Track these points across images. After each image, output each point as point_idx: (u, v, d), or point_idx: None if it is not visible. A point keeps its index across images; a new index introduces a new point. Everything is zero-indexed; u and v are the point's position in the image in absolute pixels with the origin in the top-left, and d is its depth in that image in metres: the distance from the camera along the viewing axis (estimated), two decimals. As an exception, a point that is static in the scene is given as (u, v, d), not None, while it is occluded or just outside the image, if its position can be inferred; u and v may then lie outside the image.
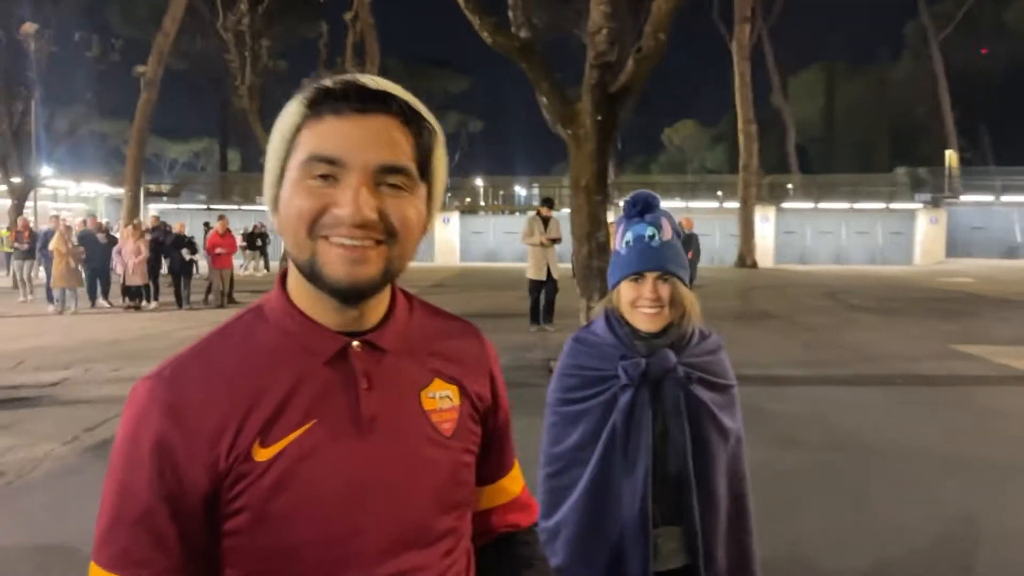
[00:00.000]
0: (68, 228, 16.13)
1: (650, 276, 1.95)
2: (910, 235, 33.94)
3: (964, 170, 38.68)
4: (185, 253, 16.73)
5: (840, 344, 11.82)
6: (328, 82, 0.98)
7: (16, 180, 28.38)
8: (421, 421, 1.07)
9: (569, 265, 10.89)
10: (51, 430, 6.77)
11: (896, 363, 10.20)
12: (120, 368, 9.53)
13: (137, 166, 29.04)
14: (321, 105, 0.97)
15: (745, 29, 31.93)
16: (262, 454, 0.97)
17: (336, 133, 0.96)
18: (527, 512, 1.31)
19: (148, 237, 16.93)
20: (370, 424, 1.02)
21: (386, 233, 0.97)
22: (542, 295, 12.46)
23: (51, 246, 15.45)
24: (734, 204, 33.01)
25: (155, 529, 0.95)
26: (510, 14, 9.65)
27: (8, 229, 20.24)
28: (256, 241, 27.40)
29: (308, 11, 39.36)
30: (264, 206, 1.06)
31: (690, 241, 16.39)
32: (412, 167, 0.99)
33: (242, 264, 26.53)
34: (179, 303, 16.53)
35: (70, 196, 35.23)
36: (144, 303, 16.42)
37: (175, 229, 17.70)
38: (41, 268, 17.89)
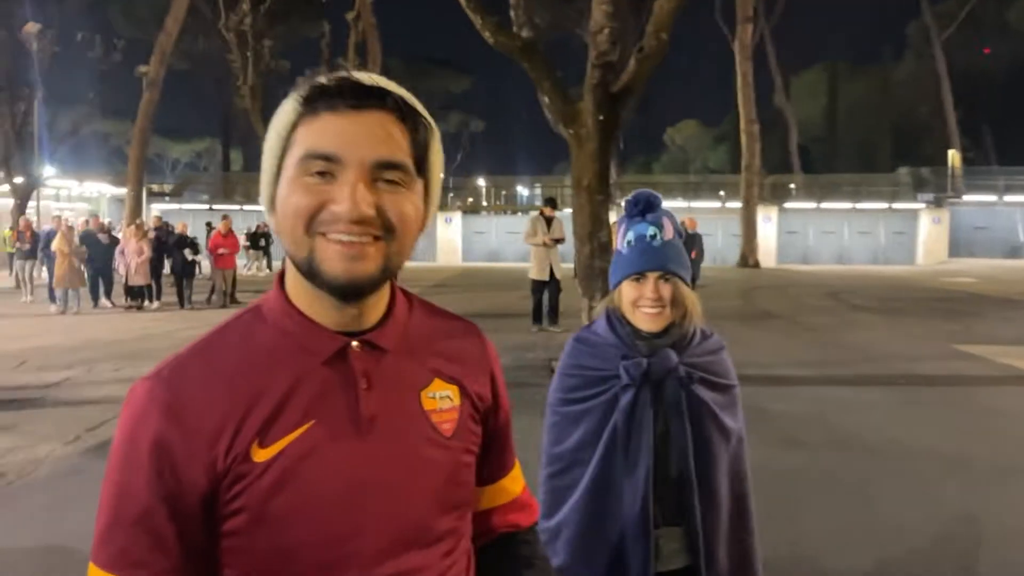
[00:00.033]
0: (70, 228, 16.15)
1: (652, 276, 1.95)
2: (912, 235, 33.91)
3: (967, 170, 38.67)
4: (187, 253, 16.75)
5: (842, 344, 11.81)
6: (323, 79, 0.98)
7: (19, 180, 28.41)
8: (421, 421, 1.06)
9: (572, 265, 10.88)
10: (53, 430, 6.78)
11: (898, 363, 10.19)
12: (122, 368, 9.54)
13: (139, 166, 29.07)
14: (316, 102, 0.97)
15: (747, 29, 31.91)
16: (261, 454, 0.96)
17: (332, 130, 0.96)
18: (527, 512, 1.31)
19: (151, 235, 16.96)
20: (369, 424, 1.01)
21: (384, 229, 0.97)
22: (545, 296, 12.43)
23: (53, 246, 15.48)
24: (736, 204, 32.99)
25: (154, 529, 0.95)
26: (512, 13, 9.65)
27: (11, 229, 20.26)
28: (260, 241, 27.43)
29: (310, 11, 39.41)
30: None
31: (693, 241, 16.39)
32: (409, 163, 0.99)
33: (246, 264, 26.56)
34: (181, 303, 16.55)
35: (72, 196, 35.27)
36: (146, 303, 16.44)
37: (177, 229, 17.72)
38: (44, 268, 17.91)
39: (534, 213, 12.89)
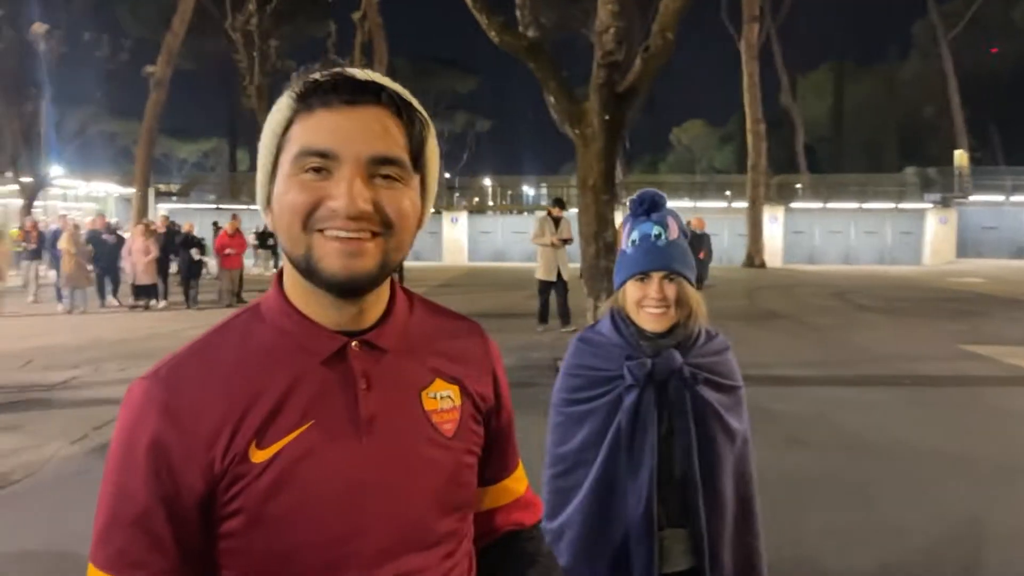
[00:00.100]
0: (76, 227, 16.19)
1: (656, 276, 1.94)
2: (919, 235, 33.78)
3: (974, 169, 38.49)
4: (194, 253, 16.78)
5: (848, 344, 11.78)
6: (317, 75, 0.97)
7: (26, 180, 28.51)
8: (421, 422, 1.05)
9: (579, 265, 10.85)
10: (59, 429, 6.79)
11: (904, 363, 10.16)
12: (128, 367, 9.56)
13: (146, 166, 29.11)
14: (311, 99, 0.96)
15: (754, 28, 31.82)
16: (258, 455, 0.96)
17: (327, 126, 0.95)
18: (531, 510, 1.30)
19: (161, 231, 17.00)
20: (369, 425, 1.00)
21: (382, 225, 0.96)
22: (552, 296, 12.38)
23: (60, 245, 15.52)
24: (742, 204, 32.92)
25: (152, 530, 0.95)
26: (518, 13, 9.66)
27: (19, 228, 20.31)
28: (268, 240, 27.47)
29: (316, 11, 39.48)
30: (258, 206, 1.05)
31: (701, 241, 16.34)
32: (405, 158, 0.98)
33: (254, 263, 26.59)
34: (188, 303, 16.59)
35: (79, 196, 35.39)
36: (153, 302, 16.48)
37: (184, 229, 17.75)
38: (51, 267, 17.94)
39: (541, 213, 12.83)
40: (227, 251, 16.78)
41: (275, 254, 28.13)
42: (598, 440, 1.99)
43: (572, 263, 12.73)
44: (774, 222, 33.44)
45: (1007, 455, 6.18)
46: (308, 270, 0.97)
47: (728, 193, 38.44)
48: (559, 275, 12.11)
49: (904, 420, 7.33)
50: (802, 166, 47.24)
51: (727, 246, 32.68)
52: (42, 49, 28.61)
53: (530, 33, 9.48)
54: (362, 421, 1.00)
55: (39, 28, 28.00)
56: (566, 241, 12.02)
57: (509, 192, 43.69)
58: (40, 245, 18.01)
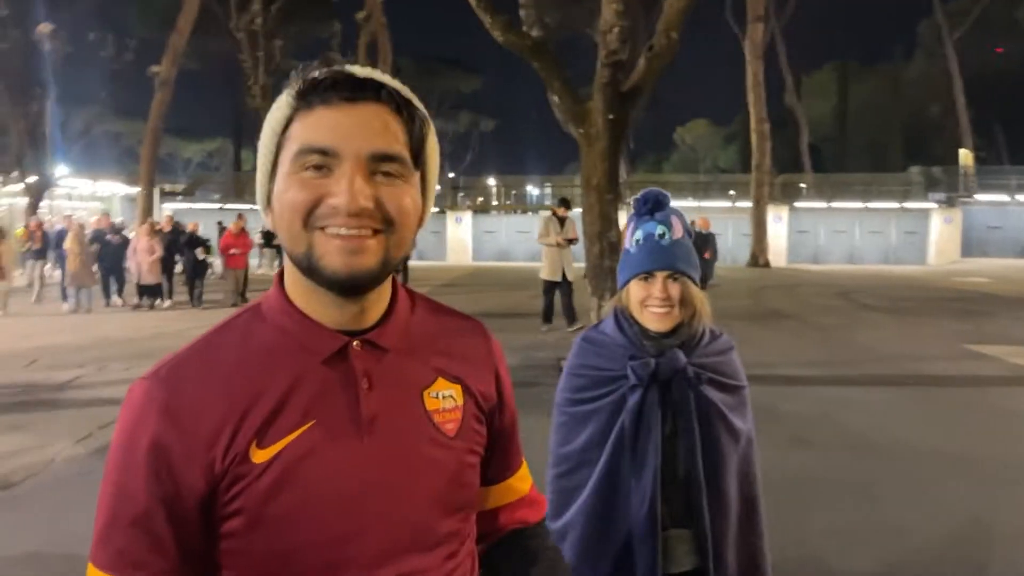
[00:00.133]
0: (81, 227, 16.22)
1: (660, 275, 1.93)
2: (924, 235, 33.69)
3: (979, 169, 38.39)
4: (199, 252, 16.81)
5: (852, 344, 11.75)
6: (316, 73, 0.97)
7: (32, 179, 28.57)
8: (423, 421, 1.05)
9: (583, 265, 10.82)
10: (64, 429, 6.80)
11: (909, 363, 10.14)
12: (133, 367, 9.57)
13: (151, 165, 29.16)
14: (310, 96, 0.96)
15: (758, 28, 31.77)
16: (259, 455, 0.95)
17: (327, 123, 0.95)
18: (535, 508, 1.30)
19: (165, 231, 17.04)
20: (370, 425, 1.00)
21: (383, 222, 0.96)
22: (557, 296, 12.33)
23: (65, 245, 15.55)
24: (747, 203, 32.87)
25: (152, 530, 0.94)
26: (521, 13, 9.66)
27: (24, 227, 20.35)
28: (273, 240, 27.47)
29: (321, 11, 39.51)
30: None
31: (707, 241, 16.31)
32: (406, 154, 0.98)
33: (259, 263, 26.61)
34: (193, 302, 16.61)
35: (85, 195, 35.46)
36: (158, 302, 16.50)
37: (188, 228, 17.78)
38: (57, 267, 17.97)
39: (547, 213, 12.78)
40: (232, 251, 16.79)
41: (280, 254, 28.07)
42: (602, 440, 1.98)
43: (577, 263, 12.72)
44: (778, 222, 33.39)
45: (1012, 455, 6.16)
46: (309, 268, 0.96)
47: (732, 193, 38.37)
48: (564, 275, 12.07)
49: (908, 420, 7.31)
50: (806, 166, 47.13)
51: (731, 246, 32.64)
52: (47, 49, 28.66)
53: (534, 32, 9.47)
54: (363, 421, 1.00)
55: (44, 28, 28.05)
56: (571, 241, 11.97)
57: (513, 192, 43.66)
58: (44, 245, 18.05)
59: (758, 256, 31.22)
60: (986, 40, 45.57)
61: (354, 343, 1.01)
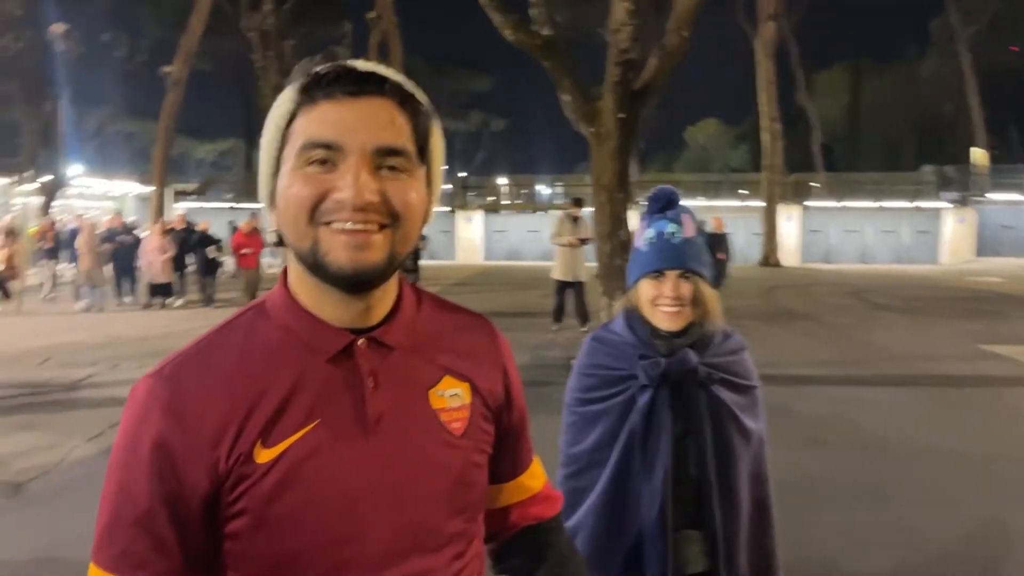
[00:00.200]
0: (92, 226, 16.30)
1: (671, 274, 1.91)
2: (936, 234, 33.51)
3: (993, 168, 38.13)
4: (209, 251, 16.86)
5: (865, 344, 11.69)
6: (319, 67, 0.96)
7: (45, 179, 28.74)
8: (429, 420, 1.03)
9: (595, 264, 10.75)
10: (76, 426, 6.83)
11: (922, 363, 10.08)
12: (145, 365, 9.58)
13: (163, 165, 29.28)
14: (314, 91, 0.95)
15: (769, 26, 31.66)
16: (264, 455, 0.94)
17: (331, 117, 0.94)
18: (549, 504, 1.28)
19: (177, 230, 17.11)
20: (376, 424, 0.99)
21: (389, 216, 0.95)
22: (568, 296, 12.26)
23: (77, 244, 15.63)
24: (758, 203, 32.76)
25: (155, 531, 0.94)
26: (532, 12, 9.64)
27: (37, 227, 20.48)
28: (288, 237, 27.49)
29: (331, 11, 39.56)
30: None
31: (721, 241, 16.21)
32: (411, 148, 0.97)
33: (269, 263, 26.68)
34: (205, 301, 16.67)
35: (97, 195, 35.65)
36: (170, 300, 16.57)
37: (199, 228, 17.83)
38: (68, 266, 18.07)
39: (561, 213, 12.71)
40: (243, 251, 16.83)
41: (294, 252, 28.15)
42: (611, 440, 1.97)
43: (588, 262, 12.66)
44: (790, 221, 33.26)
45: (1027, 456, 6.12)
46: (315, 264, 0.95)
47: (743, 192, 38.24)
48: (576, 275, 12.01)
49: (921, 420, 7.27)
50: (818, 165, 46.94)
51: (743, 245, 32.49)
52: (61, 49, 28.84)
53: (544, 31, 9.45)
54: (369, 420, 0.98)
55: (58, 28, 28.22)
56: (584, 241, 11.91)
57: (523, 191, 43.63)
58: (57, 244, 18.14)
59: (769, 255, 31.12)
60: (1000, 38, 45.25)
61: (359, 341, 1.00)
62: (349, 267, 0.94)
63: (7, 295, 14.92)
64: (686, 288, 1.91)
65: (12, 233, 15.28)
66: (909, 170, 42.36)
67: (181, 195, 37.92)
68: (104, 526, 0.96)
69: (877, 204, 34.79)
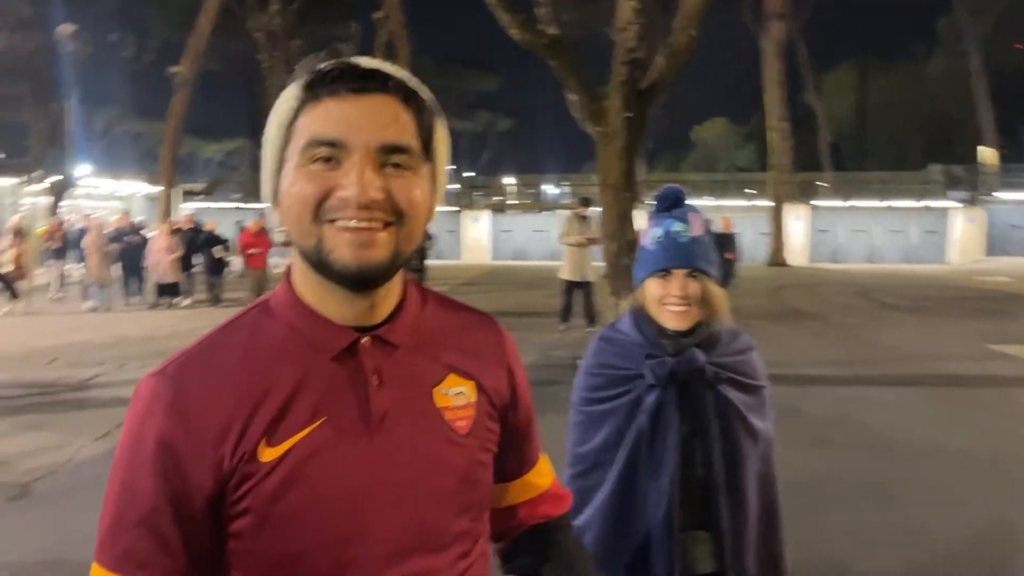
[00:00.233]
0: (100, 226, 16.35)
1: (678, 273, 1.90)
2: (944, 233, 33.38)
3: (1002, 167, 37.97)
4: (216, 251, 16.90)
5: (873, 343, 11.65)
6: (323, 65, 0.96)
7: (53, 179, 28.84)
8: (434, 419, 1.03)
9: (603, 264, 10.71)
10: (83, 426, 6.85)
11: (930, 363, 10.04)
12: (152, 365, 9.44)
13: (171, 165, 29.35)
14: (318, 88, 0.95)
15: (777, 25, 31.61)
16: (268, 454, 0.93)
17: (335, 115, 0.93)
18: (558, 502, 1.28)
19: (184, 229, 17.15)
20: (380, 422, 0.98)
21: (394, 214, 0.94)
22: (576, 296, 12.23)
23: (84, 244, 15.68)
24: (765, 202, 32.69)
25: (158, 530, 0.93)
26: (538, 11, 9.62)
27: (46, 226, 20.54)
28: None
29: (338, 11, 39.62)
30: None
31: (730, 241, 16.15)
32: (416, 145, 0.96)
33: (277, 264, 26.71)
34: (212, 301, 16.71)
35: (105, 195, 35.76)
36: (177, 300, 16.60)
37: (206, 227, 17.87)
38: (75, 266, 18.12)
39: (569, 212, 12.68)
40: (251, 251, 16.86)
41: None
42: (618, 440, 1.96)
43: (596, 262, 12.63)
44: (798, 220, 33.18)
45: (1036, 457, 6.09)
46: (319, 262, 0.95)
47: (751, 191, 38.15)
48: (584, 275, 11.98)
49: (929, 420, 7.24)
50: (826, 164, 46.80)
51: (750, 245, 32.35)
52: (69, 50, 28.95)
53: (551, 31, 9.43)
54: (373, 418, 0.98)
55: (66, 29, 28.33)
56: (593, 240, 11.86)
57: (530, 191, 43.61)
58: (64, 244, 18.19)
59: (777, 255, 31.05)
60: (1008, 37, 45.05)
61: (364, 339, 1.00)
62: (353, 265, 0.93)
63: (15, 295, 14.96)
64: (693, 287, 1.90)
65: (20, 233, 15.31)
66: (917, 169, 42.21)
67: (189, 195, 38.00)
68: (107, 526, 0.96)
69: (885, 204, 34.67)
